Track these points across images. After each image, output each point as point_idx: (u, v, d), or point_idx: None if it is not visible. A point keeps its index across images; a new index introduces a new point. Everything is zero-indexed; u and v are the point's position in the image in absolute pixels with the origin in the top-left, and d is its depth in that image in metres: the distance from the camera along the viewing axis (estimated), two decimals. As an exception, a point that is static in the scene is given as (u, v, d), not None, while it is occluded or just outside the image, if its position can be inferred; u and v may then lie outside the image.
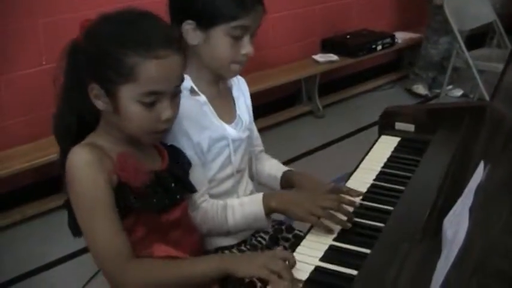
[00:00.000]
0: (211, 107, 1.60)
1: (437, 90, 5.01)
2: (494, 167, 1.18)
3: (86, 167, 1.28)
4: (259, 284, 1.44)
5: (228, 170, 1.66)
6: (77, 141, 1.35)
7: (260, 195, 1.57)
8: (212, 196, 1.62)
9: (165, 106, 1.32)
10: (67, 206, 1.36)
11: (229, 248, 1.67)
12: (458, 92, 5.05)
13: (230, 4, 1.49)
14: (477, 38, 5.22)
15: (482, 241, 0.97)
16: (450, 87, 5.00)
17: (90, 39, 1.30)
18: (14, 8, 3.12)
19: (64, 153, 1.37)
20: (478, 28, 4.71)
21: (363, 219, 1.48)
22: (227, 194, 1.67)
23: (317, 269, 1.30)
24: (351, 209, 1.50)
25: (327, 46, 4.76)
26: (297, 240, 1.52)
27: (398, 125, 1.96)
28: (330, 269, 1.30)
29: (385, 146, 1.90)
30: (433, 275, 1.06)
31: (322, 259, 1.34)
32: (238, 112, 1.70)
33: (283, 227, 1.77)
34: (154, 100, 1.30)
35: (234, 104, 1.72)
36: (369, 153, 1.86)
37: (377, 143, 1.93)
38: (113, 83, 1.28)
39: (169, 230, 1.42)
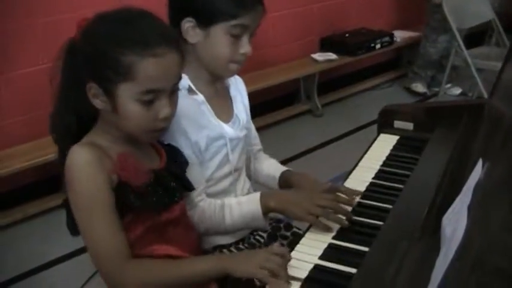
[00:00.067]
0: (209, 106, 1.60)
1: (436, 89, 5.01)
2: (493, 165, 1.18)
3: (86, 166, 1.28)
4: (258, 283, 1.44)
5: (226, 169, 1.66)
6: (74, 141, 1.35)
7: (258, 195, 1.57)
8: (210, 195, 1.62)
9: (164, 104, 1.32)
10: (66, 205, 1.36)
11: (227, 246, 1.67)
12: (457, 91, 5.05)
13: (230, 2, 1.50)
14: (476, 37, 5.23)
15: (480, 239, 0.97)
16: (449, 85, 5.00)
17: (87, 38, 1.30)
18: (13, 7, 3.12)
19: (62, 152, 1.37)
20: (477, 26, 4.71)
21: (362, 217, 1.48)
22: (225, 192, 1.68)
23: (316, 267, 1.31)
24: (349, 208, 1.51)
25: (325, 45, 4.76)
26: (296, 238, 1.53)
27: (397, 124, 1.97)
28: (329, 267, 1.31)
29: (384, 144, 1.90)
30: (431, 273, 1.07)
31: (321, 257, 1.34)
32: (235, 111, 1.71)
33: (282, 225, 1.78)
34: (152, 98, 1.30)
35: (232, 103, 1.72)
36: (368, 152, 1.86)
37: (376, 142, 1.93)
38: (111, 82, 1.28)
39: (168, 229, 1.43)
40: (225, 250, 1.66)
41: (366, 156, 1.84)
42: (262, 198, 1.55)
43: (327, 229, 1.44)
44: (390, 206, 1.51)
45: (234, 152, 1.67)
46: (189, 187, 1.52)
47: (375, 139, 1.95)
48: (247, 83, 1.81)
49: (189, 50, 1.54)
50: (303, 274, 1.28)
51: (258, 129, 1.89)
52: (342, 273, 1.28)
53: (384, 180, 1.68)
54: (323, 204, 1.46)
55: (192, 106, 1.57)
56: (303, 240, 1.42)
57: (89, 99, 1.32)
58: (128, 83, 1.27)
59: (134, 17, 1.31)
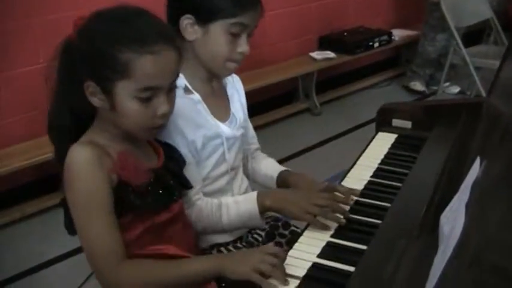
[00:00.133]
0: (205, 106, 1.60)
1: (435, 87, 5.01)
2: (491, 163, 1.18)
3: (86, 165, 1.28)
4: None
5: (222, 168, 1.66)
6: (71, 140, 1.34)
7: (254, 194, 1.57)
8: (206, 194, 1.62)
9: (162, 101, 1.32)
10: (63, 204, 1.36)
11: (224, 245, 1.67)
12: (456, 89, 5.05)
13: (231, 1, 1.50)
14: (474, 35, 5.23)
15: (478, 236, 0.97)
16: (447, 84, 5.00)
17: (84, 36, 1.30)
18: (13, 6, 3.12)
19: (58, 151, 1.38)
20: (475, 25, 4.71)
21: (360, 215, 1.48)
22: (221, 191, 1.68)
23: (314, 265, 1.31)
24: (346, 207, 1.51)
25: (324, 43, 4.76)
26: (295, 236, 1.53)
27: (396, 122, 1.97)
28: (327, 266, 1.31)
29: (382, 142, 1.90)
30: (430, 271, 1.07)
31: (319, 256, 1.34)
32: (232, 110, 1.71)
33: (280, 224, 1.78)
34: (150, 95, 1.30)
35: (229, 102, 1.72)
36: (366, 150, 1.86)
37: (374, 140, 1.93)
38: (109, 80, 1.28)
39: (166, 227, 1.43)
40: (222, 248, 1.66)
41: (364, 154, 1.84)
42: (259, 198, 1.55)
43: (325, 228, 1.44)
44: (388, 204, 1.51)
45: (231, 151, 1.67)
46: (186, 185, 1.52)
47: (373, 137, 1.95)
48: (245, 82, 1.81)
49: (187, 48, 1.54)
50: (302, 272, 1.28)
51: (256, 128, 1.89)
52: (340, 272, 1.28)
53: (382, 179, 1.68)
54: (320, 203, 1.46)
55: (188, 105, 1.57)
56: (301, 239, 1.42)
57: (85, 98, 1.32)
58: (126, 80, 1.27)
59: (131, 15, 1.32)
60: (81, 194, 1.28)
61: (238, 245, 1.69)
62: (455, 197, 1.20)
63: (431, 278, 1.04)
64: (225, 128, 1.64)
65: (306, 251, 1.36)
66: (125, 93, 1.29)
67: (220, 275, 1.30)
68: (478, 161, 1.22)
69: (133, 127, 1.34)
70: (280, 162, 1.88)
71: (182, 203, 1.50)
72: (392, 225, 1.40)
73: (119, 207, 1.31)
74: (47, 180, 3.16)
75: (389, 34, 4.96)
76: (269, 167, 1.84)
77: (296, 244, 1.40)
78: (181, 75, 1.50)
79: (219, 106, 1.67)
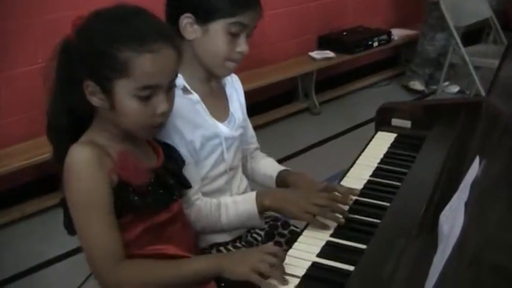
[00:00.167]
0: (203, 105, 1.60)
1: (434, 87, 5.01)
2: (490, 162, 1.18)
3: (86, 165, 1.28)
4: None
5: (221, 168, 1.66)
6: (70, 140, 1.34)
7: (253, 194, 1.57)
8: (205, 193, 1.62)
9: (161, 100, 1.32)
10: (63, 204, 1.35)
11: (224, 244, 1.67)
12: (455, 88, 5.05)
13: (230, 0, 1.50)
14: (473, 35, 5.23)
15: (477, 236, 0.97)
16: (447, 83, 5.00)
17: (83, 36, 1.30)
18: (13, 6, 3.12)
19: (57, 151, 1.37)
20: (475, 24, 4.71)
21: (360, 215, 1.48)
22: (220, 191, 1.68)
23: (314, 264, 1.31)
24: (346, 206, 1.51)
25: (323, 43, 4.76)
26: (294, 236, 1.53)
27: (395, 121, 1.97)
28: (326, 265, 1.31)
29: (382, 142, 1.90)
30: (429, 270, 1.07)
31: (319, 255, 1.34)
32: (231, 110, 1.71)
33: (279, 223, 1.78)
34: (149, 94, 1.30)
35: (227, 101, 1.72)
36: (366, 150, 1.86)
37: (373, 139, 1.93)
38: (108, 79, 1.28)
39: (166, 227, 1.43)
40: (222, 248, 1.66)
41: (363, 154, 1.84)
42: (258, 197, 1.55)
43: (325, 227, 1.44)
44: (388, 204, 1.51)
45: (229, 150, 1.67)
46: (186, 184, 1.52)
47: (372, 137, 1.95)
48: (244, 82, 1.81)
49: (186, 48, 1.54)
50: (301, 272, 1.28)
51: (256, 128, 1.89)
52: (340, 271, 1.28)
53: (382, 178, 1.68)
54: (320, 203, 1.46)
55: (187, 105, 1.57)
56: (300, 238, 1.42)
57: (84, 98, 1.32)
58: (125, 79, 1.27)
59: (129, 14, 1.32)
60: (81, 194, 1.28)
61: (238, 244, 1.69)
62: (455, 196, 1.20)
63: (430, 277, 1.04)
64: (223, 128, 1.64)
65: (306, 251, 1.36)
66: (124, 92, 1.29)
67: (220, 275, 1.30)
68: (477, 160, 1.22)
69: (133, 126, 1.34)
70: (280, 161, 1.88)
71: (181, 202, 1.50)
72: (391, 224, 1.40)
73: (119, 207, 1.31)
74: (46, 180, 3.15)
75: (389, 33, 4.96)
76: (268, 166, 1.84)
77: (295, 244, 1.40)
78: (179, 76, 1.49)
79: (218, 106, 1.67)
